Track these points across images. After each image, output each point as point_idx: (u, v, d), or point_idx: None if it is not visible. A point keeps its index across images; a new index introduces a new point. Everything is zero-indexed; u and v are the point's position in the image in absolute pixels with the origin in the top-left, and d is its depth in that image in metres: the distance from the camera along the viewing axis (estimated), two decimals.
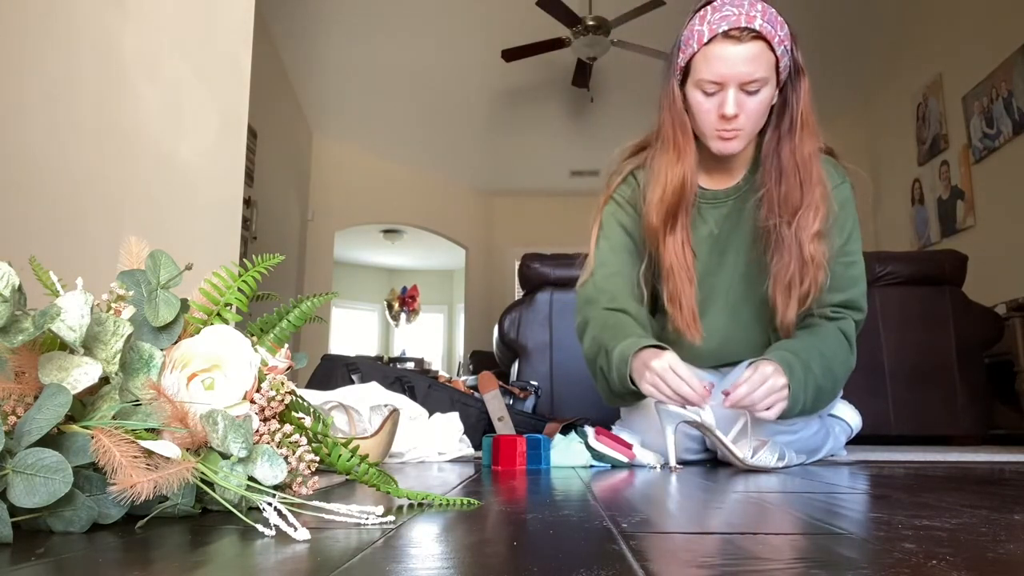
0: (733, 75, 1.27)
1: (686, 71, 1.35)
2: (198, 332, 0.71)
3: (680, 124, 1.38)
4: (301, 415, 0.72)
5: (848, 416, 1.70)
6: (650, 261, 1.48)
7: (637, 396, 1.38)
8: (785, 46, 1.30)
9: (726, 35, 1.26)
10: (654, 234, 1.43)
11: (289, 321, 0.80)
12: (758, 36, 1.26)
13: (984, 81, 4.17)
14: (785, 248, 1.37)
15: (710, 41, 1.28)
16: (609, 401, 1.49)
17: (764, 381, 1.25)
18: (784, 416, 1.29)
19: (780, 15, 1.31)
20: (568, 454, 1.37)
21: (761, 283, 1.42)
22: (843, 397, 1.71)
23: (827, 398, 1.40)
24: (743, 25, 1.25)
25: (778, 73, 1.32)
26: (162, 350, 0.68)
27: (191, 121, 1.83)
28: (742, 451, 1.27)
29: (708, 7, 1.31)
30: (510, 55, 4.91)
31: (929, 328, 2.70)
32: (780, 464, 1.26)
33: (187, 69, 1.83)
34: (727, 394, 1.25)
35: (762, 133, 1.41)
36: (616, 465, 1.35)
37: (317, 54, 5.45)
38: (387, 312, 9.14)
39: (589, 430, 1.40)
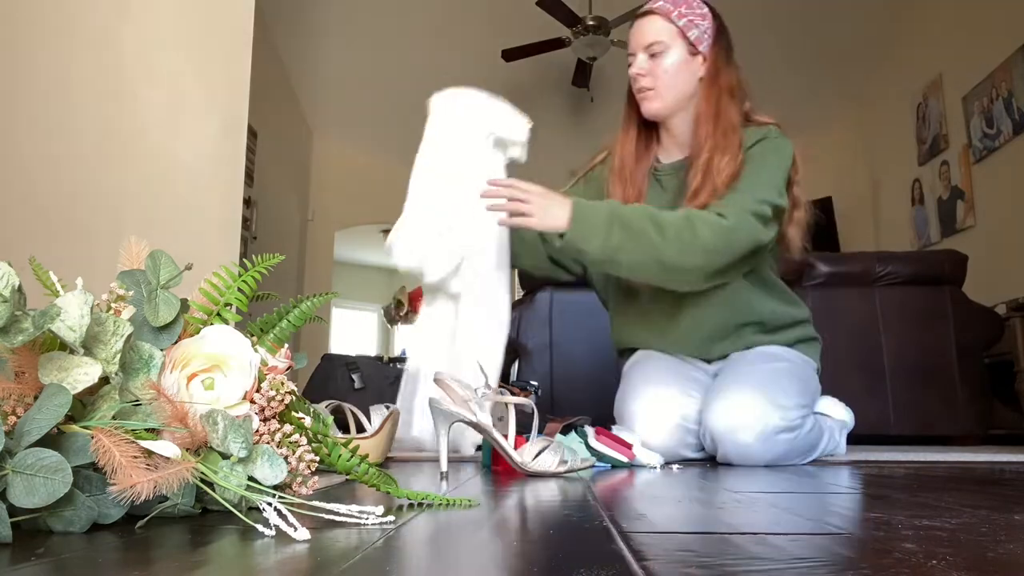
0: (636, 42, 1.59)
1: None
2: (198, 332, 0.71)
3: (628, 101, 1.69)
4: (301, 415, 0.72)
5: (835, 412, 1.69)
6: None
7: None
8: (688, 19, 1.55)
9: (637, 16, 1.62)
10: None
11: (289, 321, 0.80)
12: (656, 12, 1.57)
13: (984, 81, 4.17)
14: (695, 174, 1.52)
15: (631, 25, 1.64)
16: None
17: (525, 191, 1.56)
18: (575, 244, 1.47)
19: (707, 4, 1.58)
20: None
21: None
22: (839, 396, 1.71)
23: (645, 261, 1.43)
24: (645, 8, 1.61)
25: (689, 42, 1.55)
26: (162, 350, 0.68)
27: (191, 121, 1.83)
28: (521, 456, 1.18)
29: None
30: (510, 55, 4.91)
31: (929, 328, 2.70)
32: (563, 468, 1.17)
33: (187, 69, 1.83)
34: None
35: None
36: (616, 465, 1.35)
37: (317, 54, 5.45)
38: (395, 310, 9.05)
39: (589, 430, 1.40)
